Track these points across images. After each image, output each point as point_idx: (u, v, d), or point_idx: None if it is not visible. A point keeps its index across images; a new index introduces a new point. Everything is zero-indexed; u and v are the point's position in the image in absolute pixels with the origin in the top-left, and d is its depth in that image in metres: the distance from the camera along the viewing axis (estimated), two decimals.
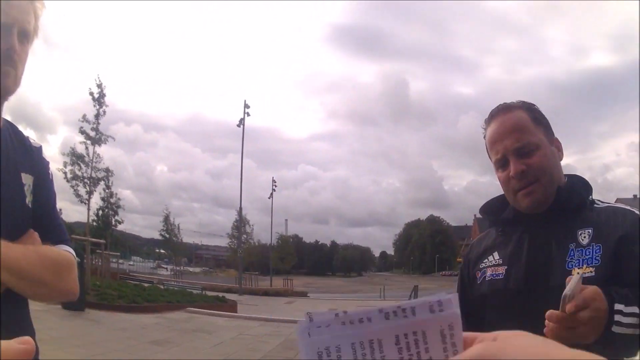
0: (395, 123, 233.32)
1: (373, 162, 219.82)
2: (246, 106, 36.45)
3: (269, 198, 49.38)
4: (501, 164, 1.26)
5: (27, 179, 1.09)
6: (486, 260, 1.30)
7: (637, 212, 1.19)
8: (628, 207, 1.22)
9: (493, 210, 1.37)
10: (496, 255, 1.28)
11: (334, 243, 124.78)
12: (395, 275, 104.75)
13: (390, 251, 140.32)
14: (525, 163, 1.20)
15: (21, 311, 1.06)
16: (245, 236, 43.22)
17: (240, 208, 38.31)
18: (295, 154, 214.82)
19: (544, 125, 1.27)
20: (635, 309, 0.97)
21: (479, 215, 1.30)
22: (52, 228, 1.13)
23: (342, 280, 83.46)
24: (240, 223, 40.78)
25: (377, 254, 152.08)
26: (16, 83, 1.04)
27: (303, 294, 33.43)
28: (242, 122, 36.34)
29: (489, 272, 1.27)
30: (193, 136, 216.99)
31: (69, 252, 1.11)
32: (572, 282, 0.90)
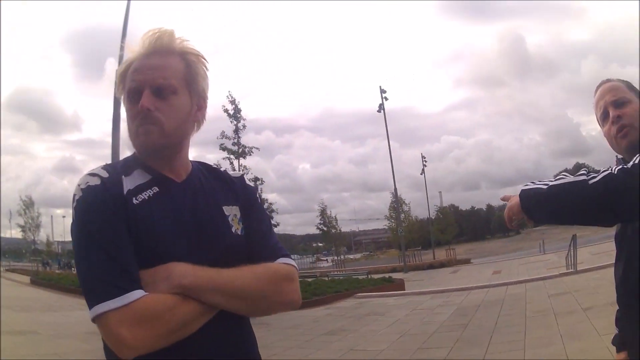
0: (521, 80, 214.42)
1: (510, 121, 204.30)
2: (382, 91, 37.51)
3: (421, 174, 50.52)
4: (603, 118, 1.49)
5: (231, 210, 1.17)
6: None
7: None
8: None
9: None
10: None
11: (489, 206, 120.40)
12: (552, 228, 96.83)
13: None
14: (620, 111, 1.42)
15: (240, 326, 1.14)
16: (403, 215, 44.78)
17: (395, 189, 39.81)
18: (435, 127, 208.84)
19: (635, 90, 1.50)
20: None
21: (619, 156, 1.48)
22: (267, 248, 1.19)
23: (502, 242, 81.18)
24: (398, 203, 42.27)
25: None
26: (164, 136, 1.09)
27: (466, 262, 33.56)
28: (381, 107, 37.22)
29: None
30: (327, 131, 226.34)
31: (289, 264, 1.17)
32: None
